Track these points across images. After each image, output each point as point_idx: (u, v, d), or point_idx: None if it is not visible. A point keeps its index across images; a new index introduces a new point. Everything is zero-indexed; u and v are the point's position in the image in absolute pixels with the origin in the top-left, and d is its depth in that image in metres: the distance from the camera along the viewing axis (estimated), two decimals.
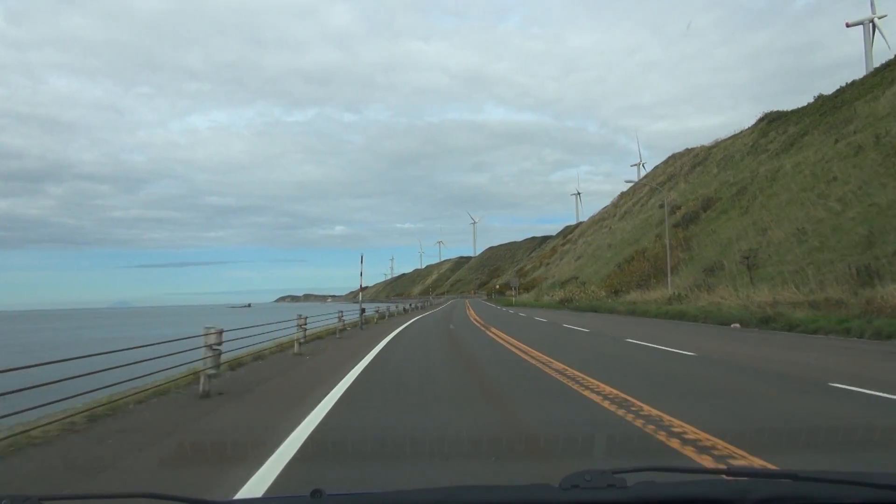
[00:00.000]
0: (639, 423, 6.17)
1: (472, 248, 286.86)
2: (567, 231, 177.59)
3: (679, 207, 43.96)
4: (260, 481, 4.49)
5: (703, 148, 66.44)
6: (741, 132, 55.93)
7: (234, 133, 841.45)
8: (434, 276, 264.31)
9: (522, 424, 6.52)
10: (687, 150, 77.34)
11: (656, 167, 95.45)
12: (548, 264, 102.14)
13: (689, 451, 5.02)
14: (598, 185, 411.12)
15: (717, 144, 61.91)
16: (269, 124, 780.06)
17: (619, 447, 5.40)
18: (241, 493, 4.20)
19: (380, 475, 4.68)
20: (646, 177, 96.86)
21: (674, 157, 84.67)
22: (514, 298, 69.97)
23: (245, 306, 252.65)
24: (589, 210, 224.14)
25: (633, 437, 5.64)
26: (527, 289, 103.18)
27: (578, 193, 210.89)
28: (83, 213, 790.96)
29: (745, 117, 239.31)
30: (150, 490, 1.83)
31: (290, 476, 4.64)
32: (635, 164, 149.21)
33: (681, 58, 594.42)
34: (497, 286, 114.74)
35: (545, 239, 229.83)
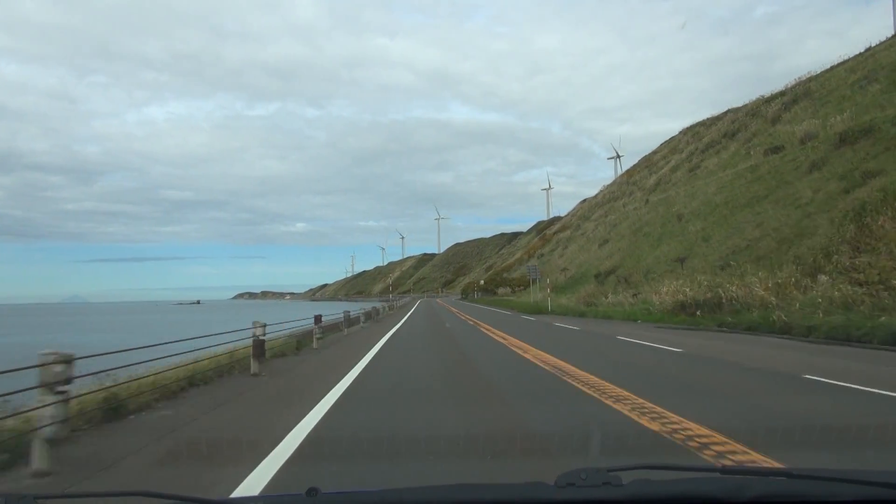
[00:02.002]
0: None
1: (436, 245, 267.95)
2: (541, 226, 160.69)
3: (859, 136, 25.00)
4: None
5: (785, 89, 48.78)
6: (845, 62, 39.22)
7: (193, 126, 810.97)
8: (396, 274, 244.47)
9: None
10: (727, 111, 60.51)
11: (673, 138, 78.82)
12: (542, 255, 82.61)
13: None
14: (562, 186, 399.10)
15: (812, 78, 44.26)
16: (229, 118, 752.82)
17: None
18: None
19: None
20: (655, 153, 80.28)
21: (704, 125, 68.18)
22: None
23: (194, 303, 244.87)
24: (554, 210, 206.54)
25: None
26: (508, 285, 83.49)
27: (549, 188, 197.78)
28: (33, 205, 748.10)
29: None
30: (146, 489, 1.81)
31: None
32: (612, 157, 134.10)
33: (644, 62, 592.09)
34: (482, 282, 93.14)
35: (515, 235, 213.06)
